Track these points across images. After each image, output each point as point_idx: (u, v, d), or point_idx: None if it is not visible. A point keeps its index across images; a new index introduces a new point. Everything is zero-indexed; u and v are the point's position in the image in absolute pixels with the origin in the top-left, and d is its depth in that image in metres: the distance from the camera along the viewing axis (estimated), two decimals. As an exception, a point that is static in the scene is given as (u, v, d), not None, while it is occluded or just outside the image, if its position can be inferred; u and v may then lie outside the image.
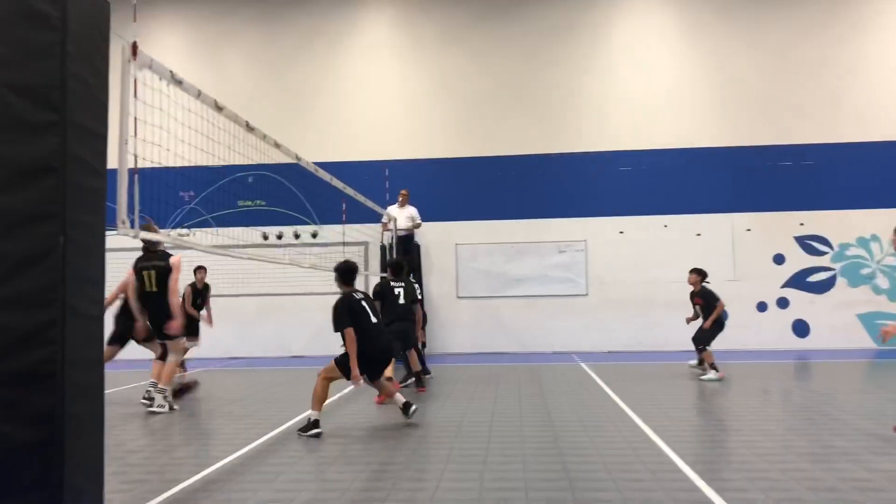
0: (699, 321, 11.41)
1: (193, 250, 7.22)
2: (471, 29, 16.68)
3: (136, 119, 4.92)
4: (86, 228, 4.01)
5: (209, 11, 17.30)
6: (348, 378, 6.92)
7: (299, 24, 17.03)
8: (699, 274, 11.51)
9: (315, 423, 6.80)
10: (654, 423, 6.98)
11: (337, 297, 7.22)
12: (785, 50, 16.02)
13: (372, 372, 7.22)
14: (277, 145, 7.66)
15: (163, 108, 5.95)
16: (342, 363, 6.95)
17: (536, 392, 9.52)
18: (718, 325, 11.20)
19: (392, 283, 9.99)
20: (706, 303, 11.26)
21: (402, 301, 9.81)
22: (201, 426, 7.92)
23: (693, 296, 11.55)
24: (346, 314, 6.93)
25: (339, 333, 6.98)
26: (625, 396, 8.86)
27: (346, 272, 7.42)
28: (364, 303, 7.22)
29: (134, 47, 4.83)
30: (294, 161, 9.13)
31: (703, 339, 11.15)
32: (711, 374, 10.78)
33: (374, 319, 7.17)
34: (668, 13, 16.49)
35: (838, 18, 15.98)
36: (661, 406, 8.15)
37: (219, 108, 6.24)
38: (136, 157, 4.99)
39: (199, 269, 12.35)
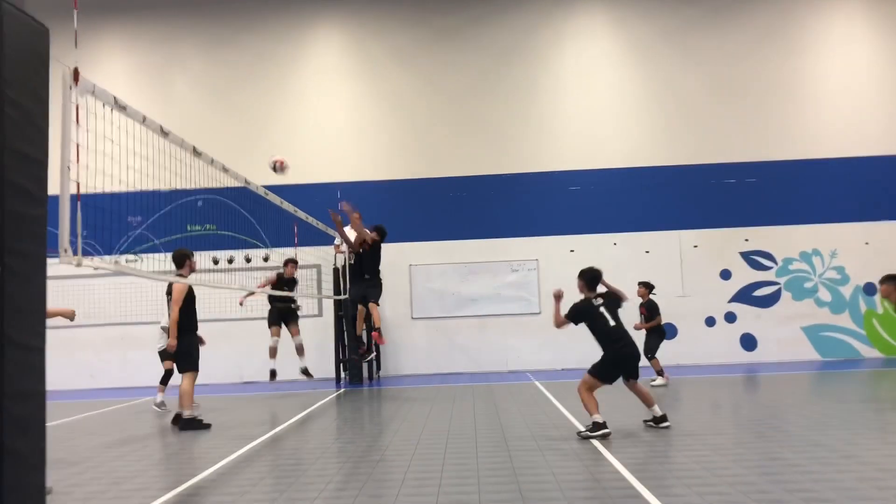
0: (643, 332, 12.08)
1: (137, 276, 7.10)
2: (421, 51, 16.82)
3: (78, 145, 4.83)
4: (24, 257, 3.92)
5: (154, 37, 17.13)
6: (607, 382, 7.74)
7: (248, 48, 16.97)
8: (647, 287, 12.44)
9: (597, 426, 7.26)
10: (604, 439, 7.04)
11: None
12: (728, 71, 16.49)
13: None
14: (225, 169, 7.59)
15: (107, 135, 5.86)
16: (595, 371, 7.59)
17: (492, 411, 9.54)
18: (659, 334, 12.18)
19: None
20: (649, 313, 12.18)
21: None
22: (129, 465, 7.73)
23: (640, 306, 12.31)
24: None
25: None
26: (578, 414, 8.91)
27: None
28: None
29: (76, 73, 4.76)
30: (244, 185, 9.05)
31: (649, 349, 11.92)
32: (659, 381, 11.84)
33: None
34: (615, 36, 16.86)
35: (779, 41, 16.54)
36: (613, 421, 8.22)
37: (164, 134, 6.17)
38: (78, 183, 4.90)
39: None
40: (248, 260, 15.90)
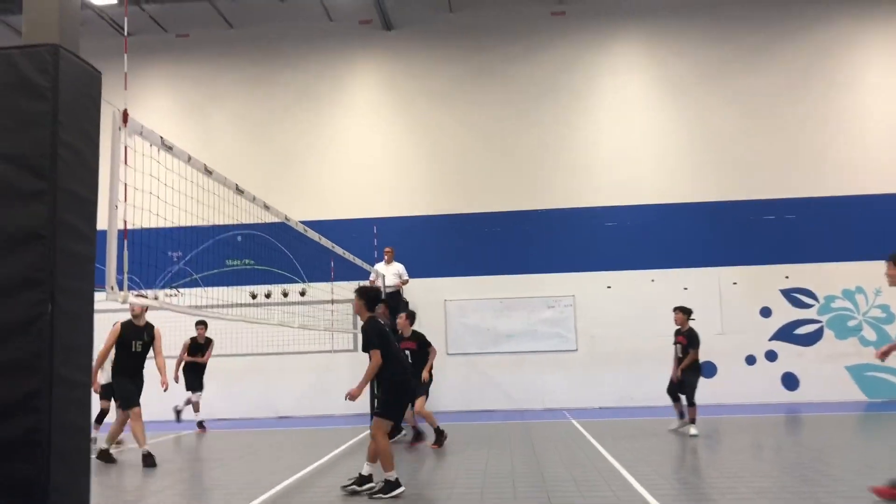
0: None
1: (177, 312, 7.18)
2: (458, 88, 16.99)
3: (125, 185, 4.95)
4: (74, 295, 4.01)
5: (197, 75, 17.56)
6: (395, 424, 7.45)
7: (286, 86, 17.29)
8: (684, 312, 11.38)
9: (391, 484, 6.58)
10: (647, 482, 6.89)
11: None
12: (766, 107, 16.38)
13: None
14: (267, 207, 7.71)
15: (153, 174, 5.98)
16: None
17: (528, 451, 9.41)
18: (696, 371, 11.04)
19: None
20: (689, 342, 11.11)
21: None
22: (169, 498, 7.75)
23: (677, 333, 11.43)
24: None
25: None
26: (617, 454, 8.77)
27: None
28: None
29: (125, 114, 4.89)
30: (283, 220, 9.16)
31: (690, 391, 10.95)
32: (694, 430, 10.63)
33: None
34: (651, 73, 16.88)
35: (817, 77, 16.40)
36: (653, 463, 8.07)
37: (208, 172, 6.30)
38: (125, 221, 5.01)
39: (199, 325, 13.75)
40: (284, 294, 16.05)
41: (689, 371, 10.99)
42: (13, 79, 3.95)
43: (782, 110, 16.39)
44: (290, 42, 17.44)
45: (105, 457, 9.22)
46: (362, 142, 17.06)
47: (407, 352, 9.89)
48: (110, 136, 4.83)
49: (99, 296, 4.34)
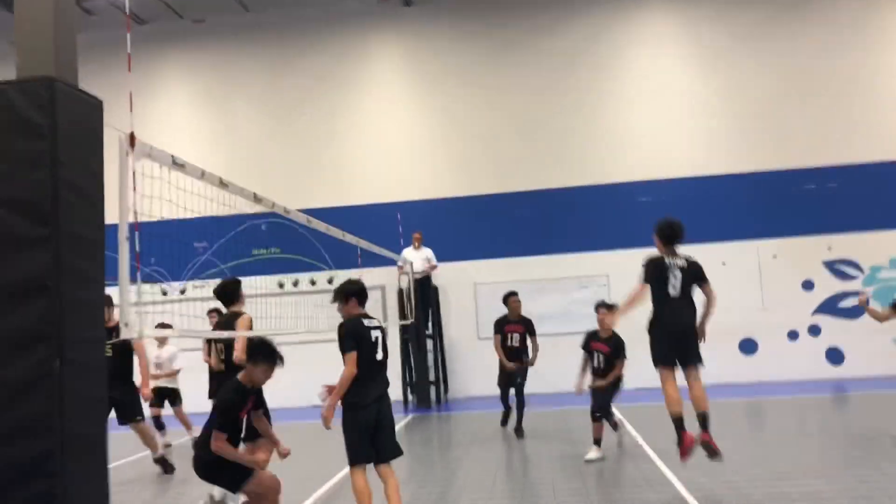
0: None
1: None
2: (482, 64, 16.49)
3: (136, 213, 4.68)
4: (84, 344, 3.77)
5: (215, 61, 17.25)
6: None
7: (306, 69, 16.92)
8: (612, 311, 8.57)
9: None
10: (697, 489, 6.60)
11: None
12: (804, 70, 15.68)
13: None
14: (287, 211, 7.42)
15: (165, 178, 5.65)
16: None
17: (566, 439, 9.15)
18: (618, 386, 8.84)
19: None
20: (616, 351, 8.74)
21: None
22: None
23: (595, 338, 8.80)
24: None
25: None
26: (657, 447, 8.46)
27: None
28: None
29: (131, 138, 4.60)
30: (303, 216, 8.86)
31: (608, 407, 8.75)
32: (595, 453, 8.27)
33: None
34: (683, 39, 16.24)
35: (859, 36, 15.64)
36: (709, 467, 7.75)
37: (224, 185, 6.00)
38: (138, 253, 4.75)
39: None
40: (312, 283, 15.88)
41: (611, 386, 8.73)
42: (8, 117, 3.69)
43: (822, 72, 15.68)
44: (307, 24, 17.03)
45: (163, 464, 8.94)
46: (385, 124, 16.69)
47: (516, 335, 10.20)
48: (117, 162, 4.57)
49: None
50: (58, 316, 3.60)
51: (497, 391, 10.81)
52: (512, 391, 10.46)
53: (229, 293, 7.29)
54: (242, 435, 5.56)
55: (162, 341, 10.77)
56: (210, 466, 5.24)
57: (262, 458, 5.51)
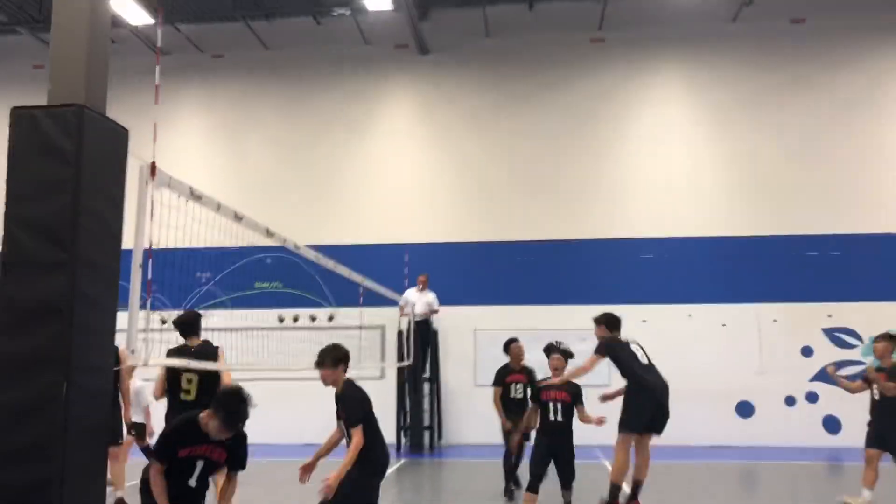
0: None
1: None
2: (493, 115, 16.72)
3: (151, 241, 4.73)
4: (91, 372, 3.79)
5: (232, 96, 17.50)
6: None
7: (320, 110, 17.15)
8: (566, 358, 7.97)
9: None
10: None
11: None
12: (809, 139, 15.88)
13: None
14: (297, 247, 7.48)
15: (177, 205, 5.70)
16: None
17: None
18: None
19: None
20: (577, 398, 7.92)
21: None
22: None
23: (547, 388, 7.82)
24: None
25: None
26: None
27: None
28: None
29: (153, 168, 4.68)
30: (312, 253, 8.91)
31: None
32: None
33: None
34: (690, 102, 16.48)
35: (863, 108, 15.87)
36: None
37: (238, 219, 6.07)
38: (150, 282, 4.80)
39: None
40: (312, 319, 15.86)
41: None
42: (37, 141, 3.77)
43: (826, 142, 15.88)
44: (325, 64, 17.31)
45: None
46: (395, 167, 16.86)
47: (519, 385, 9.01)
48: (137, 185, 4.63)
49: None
50: (68, 341, 3.63)
51: (493, 439, 10.08)
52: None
53: (191, 324, 7.30)
54: (193, 483, 4.62)
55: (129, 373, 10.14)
56: (143, 486, 4.56)
57: None
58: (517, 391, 9.27)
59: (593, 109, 16.47)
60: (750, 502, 9.79)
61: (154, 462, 4.48)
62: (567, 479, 7.60)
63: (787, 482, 10.83)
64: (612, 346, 7.59)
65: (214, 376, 6.97)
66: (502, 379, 9.38)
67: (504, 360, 10.06)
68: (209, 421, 4.54)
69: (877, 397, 8.40)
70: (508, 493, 9.01)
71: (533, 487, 7.25)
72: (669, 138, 16.30)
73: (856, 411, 14.73)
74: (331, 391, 5.69)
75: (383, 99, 17.17)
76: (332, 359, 5.51)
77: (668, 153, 16.21)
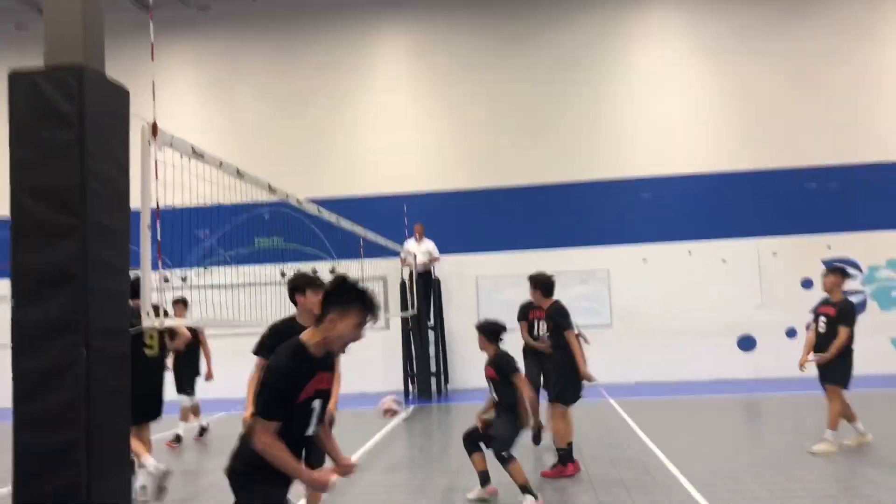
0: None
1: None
2: (487, 59, 16.49)
3: (157, 202, 4.70)
4: (109, 335, 3.80)
5: (220, 49, 17.20)
6: None
7: (312, 58, 16.89)
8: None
9: None
10: (686, 470, 6.66)
11: None
12: (809, 70, 15.72)
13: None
14: (299, 202, 7.44)
15: (178, 163, 5.64)
16: None
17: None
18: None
19: None
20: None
21: None
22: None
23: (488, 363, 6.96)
24: None
25: None
26: (660, 441, 8.53)
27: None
28: None
29: (154, 127, 4.61)
30: (314, 207, 8.86)
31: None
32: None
33: None
34: (688, 36, 16.25)
35: (864, 36, 15.67)
36: (700, 453, 7.82)
37: (240, 175, 6.03)
38: (159, 242, 4.78)
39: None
40: (314, 272, 15.84)
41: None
42: (37, 106, 3.70)
43: (825, 73, 15.73)
44: (314, 13, 16.97)
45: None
46: (390, 115, 16.68)
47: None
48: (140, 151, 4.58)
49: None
50: (83, 305, 3.62)
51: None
52: None
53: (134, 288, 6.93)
54: (311, 431, 3.37)
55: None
56: (247, 469, 3.24)
57: (325, 479, 3.31)
58: (538, 328, 9.23)
59: (589, 47, 16.25)
60: (755, 433, 9.97)
61: (266, 424, 3.12)
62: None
63: (789, 413, 11.02)
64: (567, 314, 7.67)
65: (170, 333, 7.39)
66: (525, 314, 9.46)
67: (510, 306, 10.17)
68: (331, 333, 3.28)
69: (822, 330, 8.33)
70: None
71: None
72: (667, 74, 16.12)
73: (855, 340, 15.00)
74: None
75: (377, 46, 16.91)
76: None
77: (665, 90, 16.06)
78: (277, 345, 3.37)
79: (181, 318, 9.51)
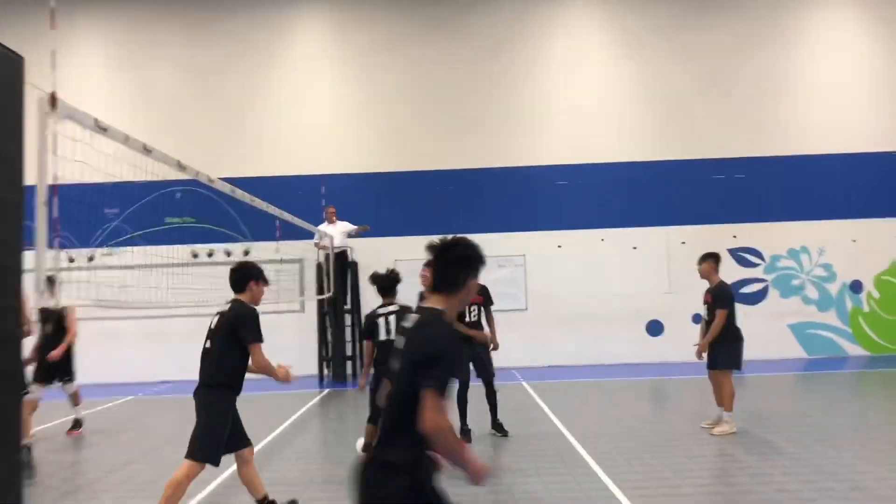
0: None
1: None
2: (407, 41, 16.41)
3: (55, 176, 4.49)
4: (2, 315, 3.61)
5: (132, 20, 16.53)
6: None
7: (229, 33, 16.45)
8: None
9: None
10: (613, 472, 6.86)
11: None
12: (718, 66, 16.28)
13: None
14: (211, 181, 7.24)
15: (82, 139, 5.42)
16: None
17: (481, 417, 9.32)
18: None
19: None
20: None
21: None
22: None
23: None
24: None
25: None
26: (569, 422, 8.74)
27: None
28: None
29: (52, 98, 4.40)
30: (228, 186, 8.65)
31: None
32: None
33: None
34: (605, 29, 16.57)
35: (771, 35, 16.34)
36: (606, 432, 8.05)
37: (147, 151, 5.81)
38: (57, 218, 4.56)
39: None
40: (228, 254, 15.54)
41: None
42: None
43: (735, 68, 16.33)
44: (230, -14, 16.51)
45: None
46: (309, 94, 16.41)
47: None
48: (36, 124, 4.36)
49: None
50: (-29, 283, 3.43)
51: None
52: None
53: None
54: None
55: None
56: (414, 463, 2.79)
57: (487, 472, 2.96)
58: (472, 314, 8.75)
59: (508, 35, 16.38)
60: (659, 414, 10.33)
61: (441, 404, 2.71)
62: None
63: (692, 395, 11.44)
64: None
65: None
66: None
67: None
68: (465, 296, 3.12)
69: (706, 318, 8.74)
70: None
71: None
72: (583, 65, 16.41)
73: (756, 326, 15.67)
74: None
75: (295, 22, 16.59)
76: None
77: (582, 80, 16.35)
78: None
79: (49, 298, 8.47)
